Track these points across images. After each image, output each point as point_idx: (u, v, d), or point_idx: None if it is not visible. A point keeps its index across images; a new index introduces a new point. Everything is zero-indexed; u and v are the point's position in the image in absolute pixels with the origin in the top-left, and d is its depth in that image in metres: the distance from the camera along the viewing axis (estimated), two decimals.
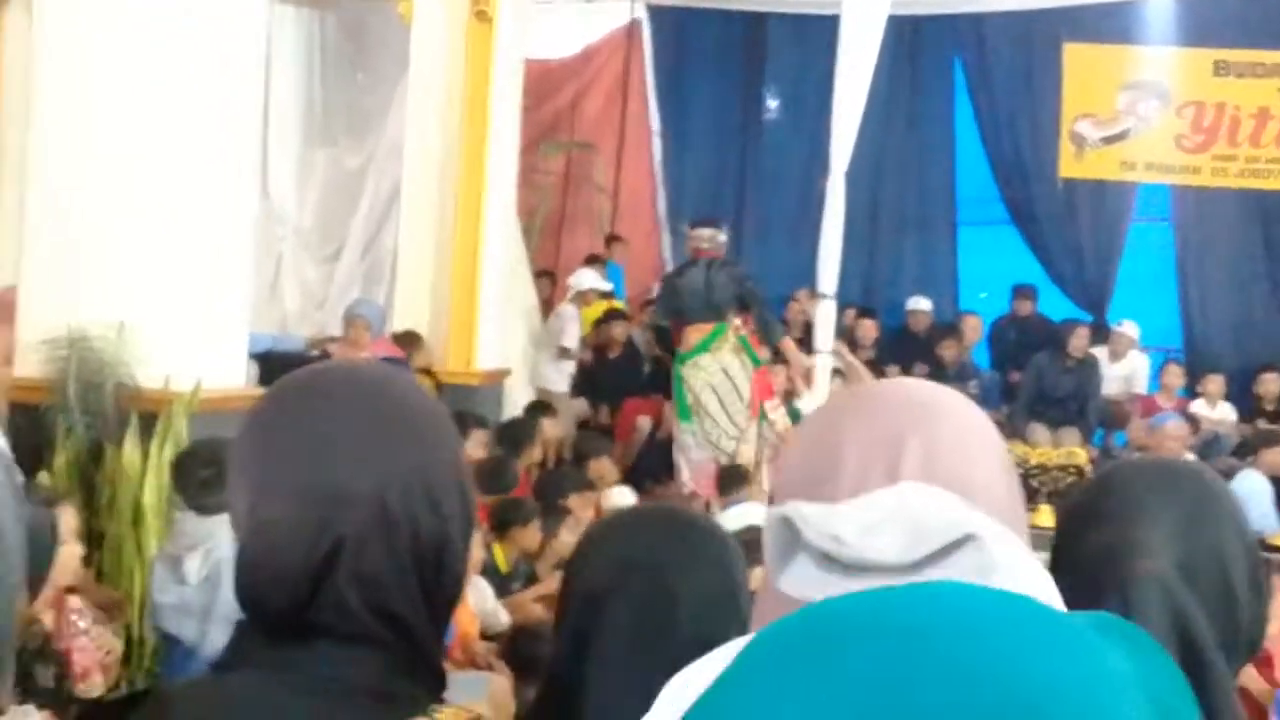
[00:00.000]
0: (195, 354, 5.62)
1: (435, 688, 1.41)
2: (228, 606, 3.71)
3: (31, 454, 5.10)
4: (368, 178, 10.38)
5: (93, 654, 3.67)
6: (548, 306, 11.42)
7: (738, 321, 8.78)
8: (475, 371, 8.65)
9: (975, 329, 12.15)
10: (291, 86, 10.43)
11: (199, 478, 4.42)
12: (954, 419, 1.22)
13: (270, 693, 1.39)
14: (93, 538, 5.32)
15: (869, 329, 11.68)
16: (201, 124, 5.69)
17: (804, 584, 1.11)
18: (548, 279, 12.02)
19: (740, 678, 0.75)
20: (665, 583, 1.84)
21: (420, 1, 8.89)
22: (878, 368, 10.44)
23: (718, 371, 8.57)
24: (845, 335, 10.56)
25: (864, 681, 0.71)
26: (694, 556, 1.89)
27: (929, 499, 1.14)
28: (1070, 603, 0.99)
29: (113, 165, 5.60)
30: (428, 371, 8.28)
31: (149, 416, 5.49)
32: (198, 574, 4.31)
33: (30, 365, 5.62)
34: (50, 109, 5.71)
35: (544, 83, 12.52)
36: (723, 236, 9.20)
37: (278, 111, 9.90)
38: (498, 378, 9.05)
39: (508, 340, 9.38)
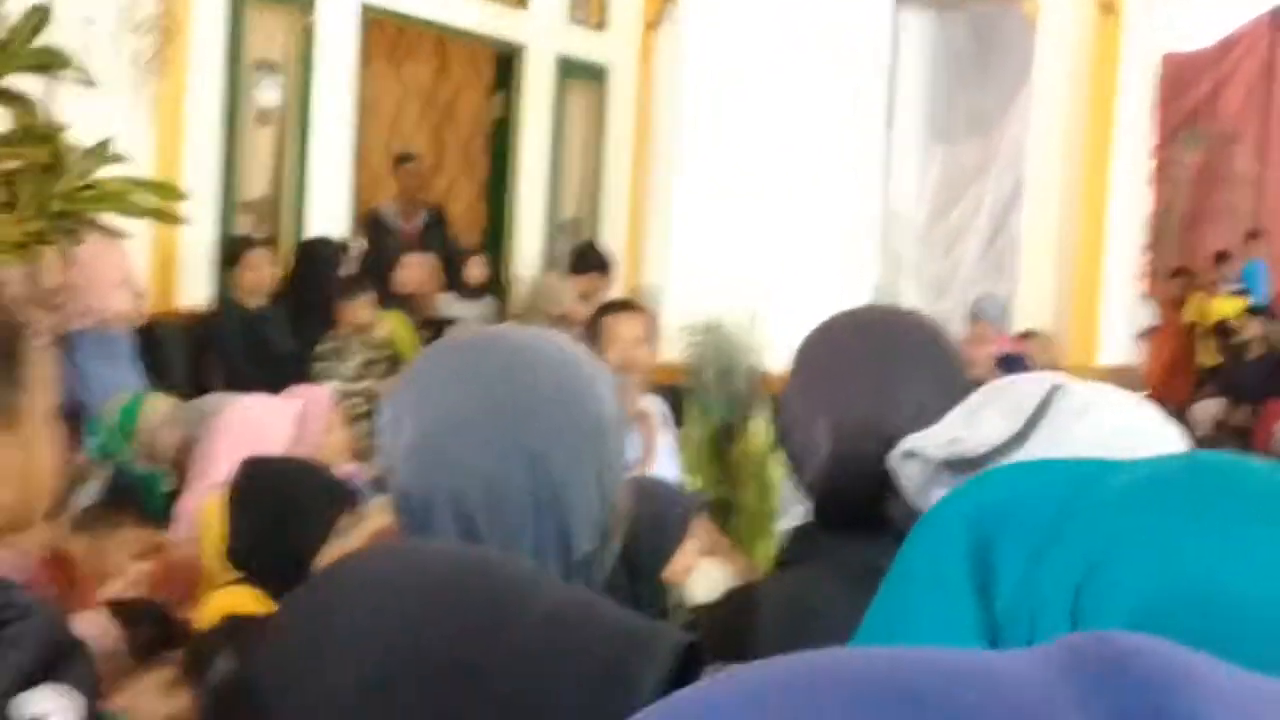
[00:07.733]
0: None
1: None
2: None
3: None
4: (987, 175, 10.48)
5: None
6: (1178, 305, 11.06)
7: None
8: (1097, 367, 8.55)
9: None
10: (915, 89, 10.70)
11: None
12: None
13: (827, 584, 1.60)
14: (728, 509, 5.80)
15: None
16: (828, 127, 6.07)
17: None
18: (1183, 277, 11.58)
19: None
20: None
21: None
22: None
23: None
24: None
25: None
26: None
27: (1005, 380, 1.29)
28: None
29: (745, 169, 6.08)
30: (1051, 369, 8.25)
31: (777, 399, 5.92)
32: None
33: (672, 350, 6.21)
34: (690, 118, 6.28)
35: (1181, 75, 12.12)
36: None
37: (901, 113, 10.20)
38: (1121, 374, 8.90)
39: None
